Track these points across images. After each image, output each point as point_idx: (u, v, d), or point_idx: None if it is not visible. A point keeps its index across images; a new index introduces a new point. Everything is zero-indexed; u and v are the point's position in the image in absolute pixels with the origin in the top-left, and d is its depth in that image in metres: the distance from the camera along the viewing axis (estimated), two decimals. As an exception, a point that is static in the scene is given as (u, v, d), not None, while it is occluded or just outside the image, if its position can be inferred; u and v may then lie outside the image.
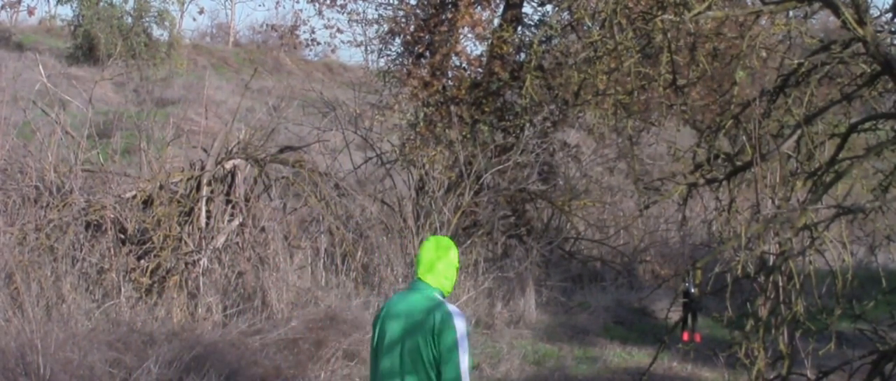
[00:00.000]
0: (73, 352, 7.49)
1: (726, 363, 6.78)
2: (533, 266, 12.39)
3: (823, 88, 7.79)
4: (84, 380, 7.31)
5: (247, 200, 10.32)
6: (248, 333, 8.84)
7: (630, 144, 12.09)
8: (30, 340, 7.40)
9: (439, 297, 4.50)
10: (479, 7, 13.63)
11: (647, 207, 10.43)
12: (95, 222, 9.70)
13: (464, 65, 13.81)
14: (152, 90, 20.98)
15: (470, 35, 13.76)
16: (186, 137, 12.29)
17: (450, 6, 13.52)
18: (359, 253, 11.02)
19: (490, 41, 13.53)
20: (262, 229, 10.32)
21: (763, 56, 9.00)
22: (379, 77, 14.18)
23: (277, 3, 49.46)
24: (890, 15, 6.70)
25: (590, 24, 9.46)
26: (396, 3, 13.98)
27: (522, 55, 13.60)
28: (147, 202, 10.00)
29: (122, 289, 9.25)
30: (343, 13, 17.23)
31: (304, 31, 23.88)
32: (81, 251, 9.42)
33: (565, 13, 12.32)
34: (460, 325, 4.38)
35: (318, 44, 33.65)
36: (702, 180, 7.56)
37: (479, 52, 14.10)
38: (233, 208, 10.21)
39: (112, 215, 9.64)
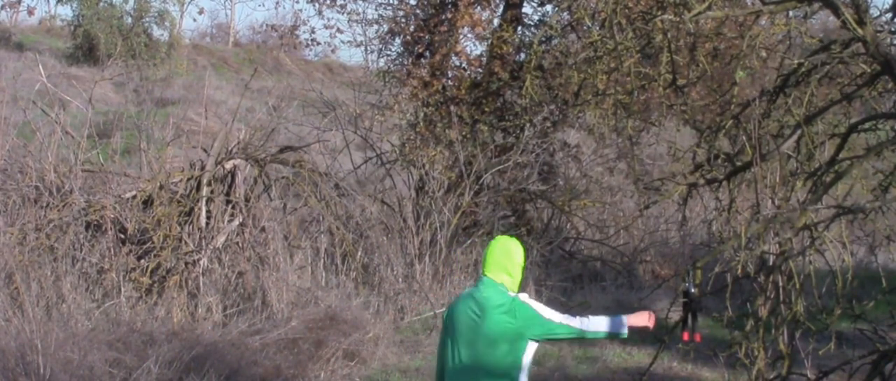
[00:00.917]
0: (73, 352, 7.49)
1: (726, 363, 6.78)
2: (533, 266, 12.37)
3: (823, 88, 7.78)
4: (84, 380, 7.31)
5: (247, 200, 10.32)
6: (248, 333, 8.84)
7: (630, 144, 12.09)
8: (30, 340, 7.41)
9: (507, 292, 4.60)
10: (478, 7, 13.62)
11: (647, 207, 10.44)
12: (95, 222, 9.71)
13: (464, 65, 13.80)
14: (152, 90, 21.00)
15: (470, 35, 13.75)
16: (186, 137, 12.30)
17: (450, 6, 13.51)
18: (359, 253, 11.02)
19: (490, 41, 13.52)
20: (262, 229, 10.32)
21: (763, 56, 8.99)
22: (379, 77, 14.16)
23: (277, 3, 49.39)
24: (890, 15, 6.70)
25: (590, 24, 9.47)
26: (396, 3, 13.97)
27: (522, 55, 13.59)
28: (147, 202, 9.99)
29: (122, 289, 9.26)
30: (343, 13, 17.16)
31: (304, 32, 23.77)
32: (81, 251, 9.42)
33: (565, 13, 12.31)
34: (531, 301, 4.62)
35: (318, 44, 33.55)
36: (702, 180, 7.55)
37: (478, 53, 14.10)
38: (233, 208, 10.21)
39: (112, 215, 9.64)
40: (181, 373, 7.64)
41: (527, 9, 13.98)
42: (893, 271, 12.19)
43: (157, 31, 26.13)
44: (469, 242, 11.89)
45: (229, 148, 10.51)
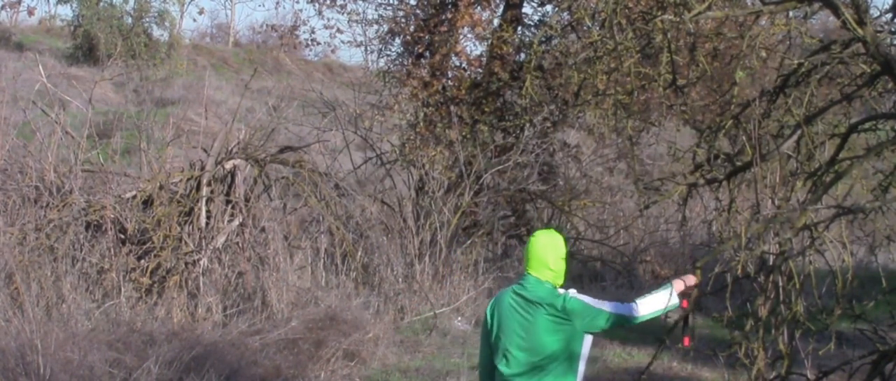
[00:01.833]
0: (73, 352, 7.49)
1: (726, 363, 6.77)
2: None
3: (823, 89, 7.77)
4: (84, 380, 7.31)
5: (247, 200, 10.32)
6: (248, 333, 8.84)
7: (630, 144, 12.07)
8: (30, 340, 7.41)
9: (556, 290, 4.60)
10: (478, 7, 13.63)
11: (647, 207, 10.40)
12: (95, 222, 9.71)
13: (463, 65, 13.81)
14: (152, 90, 20.99)
15: (470, 35, 13.76)
16: (186, 137, 12.30)
17: (450, 6, 13.52)
18: (359, 253, 11.02)
19: (490, 41, 13.52)
20: (262, 229, 10.33)
21: (763, 56, 8.98)
22: (379, 77, 14.17)
23: (277, 3, 49.47)
24: (890, 15, 6.69)
25: (590, 25, 9.46)
26: (396, 3, 13.97)
27: (522, 55, 13.60)
28: (147, 202, 10.00)
29: (122, 289, 9.26)
30: (343, 13, 17.19)
31: (304, 32, 23.85)
32: (81, 251, 9.42)
33: (565, 13, 12.31)
34: (581, 296, 4.64)
35: (318, 44, 33.64)
36: (702, 180, 7.53)
37: (478, 53, 14.11)
38: (233, 208, 10.21)
39: (112, 215, 9.64)
40: (181, 373, 7.64)
41: (527, 9, 14.00)
42: (893, 271, 12.20)
43: (157, 32, 26.18)
44: (469, 242, 11.89)
45: (229, 148, 10.51)
